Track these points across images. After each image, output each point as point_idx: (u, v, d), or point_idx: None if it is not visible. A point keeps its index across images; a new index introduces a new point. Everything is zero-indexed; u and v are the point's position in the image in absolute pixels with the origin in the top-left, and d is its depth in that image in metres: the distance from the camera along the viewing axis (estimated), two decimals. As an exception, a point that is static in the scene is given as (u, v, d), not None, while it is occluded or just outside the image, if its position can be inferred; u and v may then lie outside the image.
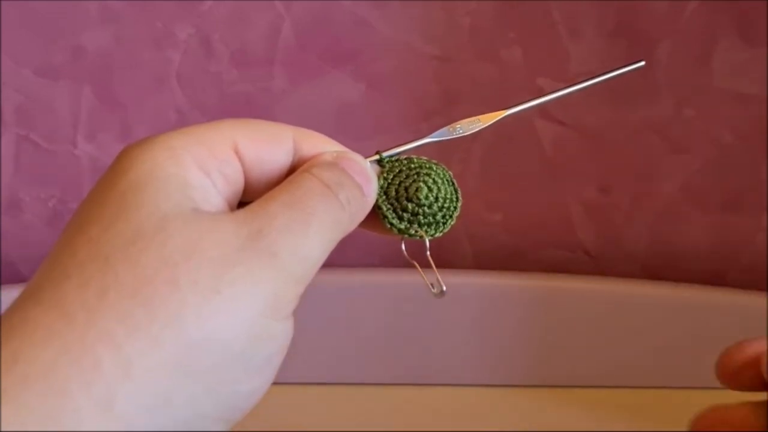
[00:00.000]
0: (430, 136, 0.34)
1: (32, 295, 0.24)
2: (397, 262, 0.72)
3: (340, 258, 0.71)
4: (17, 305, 0.24)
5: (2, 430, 0.21)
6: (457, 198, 0.34)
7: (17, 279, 0.72)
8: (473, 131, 0.34)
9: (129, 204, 0.25)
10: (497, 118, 0.35)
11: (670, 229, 0.69)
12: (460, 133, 0.34)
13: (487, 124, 0.34)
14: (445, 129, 0.34)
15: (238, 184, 0.29)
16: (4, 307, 0.26)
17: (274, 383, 0.26)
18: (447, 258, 0.71)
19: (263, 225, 0.26)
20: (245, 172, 0.29)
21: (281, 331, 0.26)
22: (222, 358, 0.24)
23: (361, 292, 0.67)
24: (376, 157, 0.33)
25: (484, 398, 0.68)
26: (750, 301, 0.66)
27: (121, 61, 0.64)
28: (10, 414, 0.21)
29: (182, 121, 0.66)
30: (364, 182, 0.30)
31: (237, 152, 0.28)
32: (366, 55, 0.63)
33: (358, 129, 0.66)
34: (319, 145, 0.30)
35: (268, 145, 0.29)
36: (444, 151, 0.67)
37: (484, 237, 0.70)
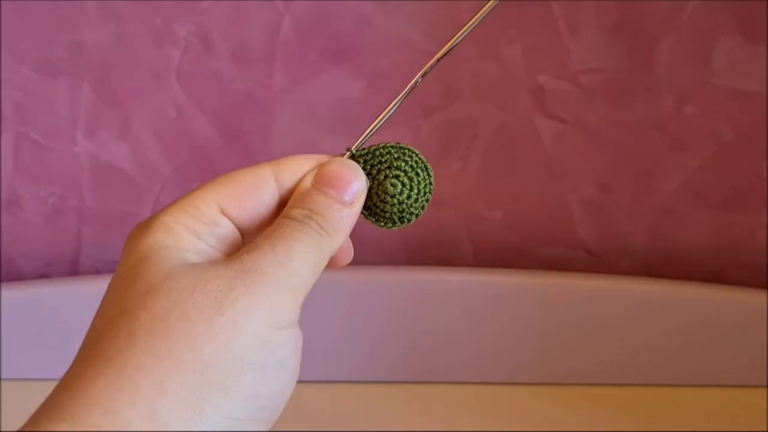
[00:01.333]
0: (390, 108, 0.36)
1: (80, 353, 0.30)
2: (398, 261, 0.72)
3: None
4: (75, 363, 0.30)
5: None
6: (430, 182, 0.35)
7: (17, 276, 0.72)
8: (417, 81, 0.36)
9: (139, 270, 0.31)
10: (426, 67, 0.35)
11: (670, 226, 0.69)
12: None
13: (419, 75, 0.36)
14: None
15: (233, 236, 0.33)
16: (4, 305, 0.29)
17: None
18: (447, 256, 0.71)
19: (252, 260, 0.30)
20: (237, 225, 0.33)
21: (288, 338, 0.30)
22: (236, 368, 0.29)
23: (362, 291, 0.67)
24: (348, 154, 0.35)
25: (485, 395, 0.68)
26: (750, 298, 0.66)
27: (120, 58, 0.64)
28: None
29: (181, 118, 0.66)
30: (342, 192, 0.33)
31: (224, 212, 0.32)
32: (366, 52, 0.63)
33: (358, 126, 0.65)
34: (297, 171, 0.34)
35: (251, 195, 0.33)
36: (444, 149, 0.67)
37: (484, 235, 0.70)
